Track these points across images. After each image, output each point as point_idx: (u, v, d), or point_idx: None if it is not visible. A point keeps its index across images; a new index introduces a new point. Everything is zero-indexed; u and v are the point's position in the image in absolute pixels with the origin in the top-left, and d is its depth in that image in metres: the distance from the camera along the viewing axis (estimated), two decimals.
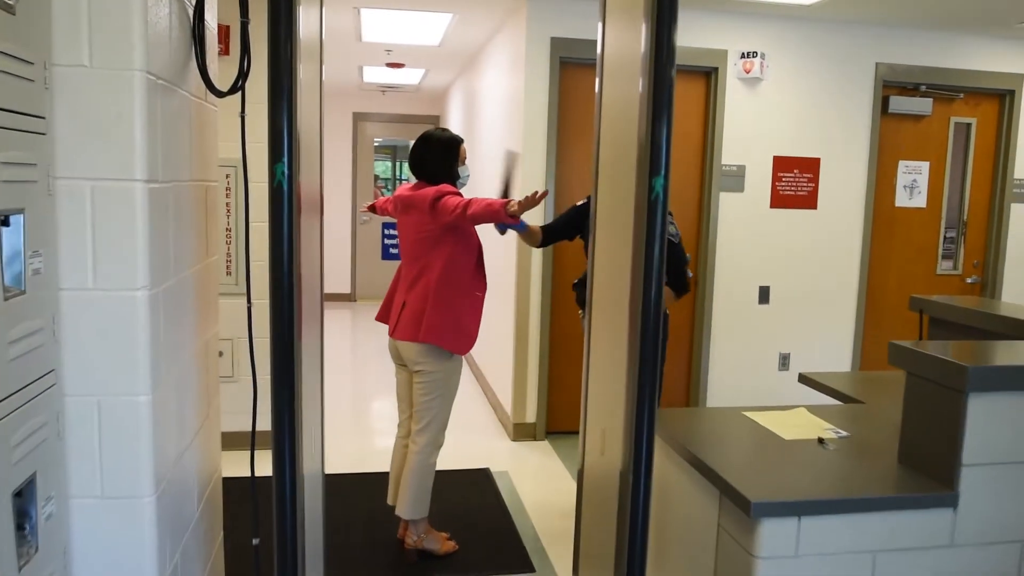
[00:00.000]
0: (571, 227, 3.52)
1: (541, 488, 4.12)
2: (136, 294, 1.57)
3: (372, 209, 3.66)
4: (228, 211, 4.42)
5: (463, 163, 3.17)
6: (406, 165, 11.44)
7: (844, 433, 2.44)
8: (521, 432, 4.83)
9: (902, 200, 5.20)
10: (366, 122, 10.03)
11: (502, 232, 3.34)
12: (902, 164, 5.17)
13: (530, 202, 2.73)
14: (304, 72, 1.87)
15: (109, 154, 1.52)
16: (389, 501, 3.33)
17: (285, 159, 1.76)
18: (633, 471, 2.00)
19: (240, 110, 1.88)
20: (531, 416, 4.83)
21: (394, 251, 12.25)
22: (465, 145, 3.20)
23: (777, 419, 2.57)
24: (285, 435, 1.83)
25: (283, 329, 1.78)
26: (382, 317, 3.28)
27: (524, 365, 4.78)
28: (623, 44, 2.25)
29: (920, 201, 5.22)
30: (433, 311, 2.98)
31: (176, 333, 1.85)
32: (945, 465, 2.02)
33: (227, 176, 4.40)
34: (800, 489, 1.99)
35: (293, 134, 1.77)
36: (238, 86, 1.89)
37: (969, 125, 5.23)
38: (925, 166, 5.19)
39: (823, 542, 1.95)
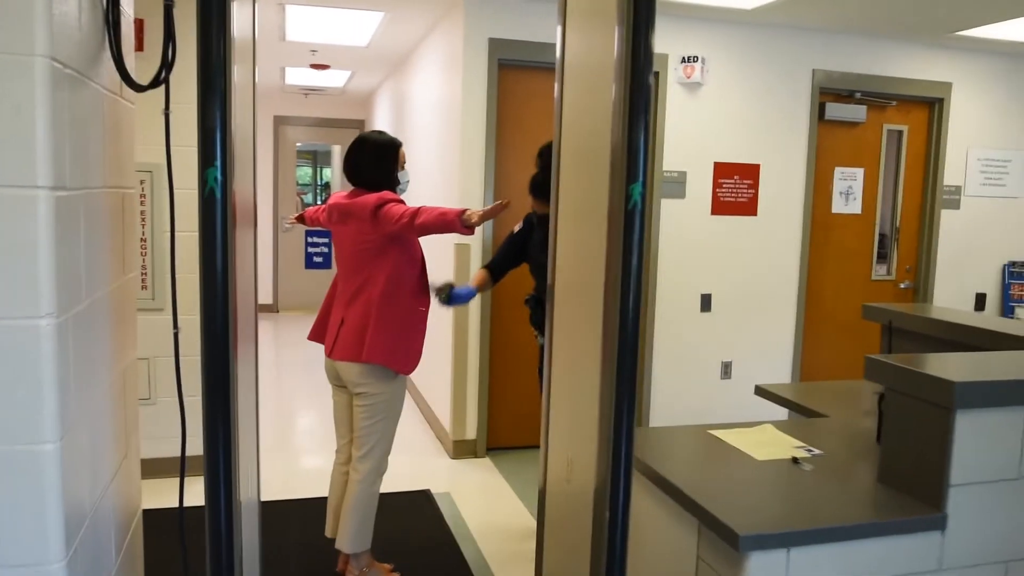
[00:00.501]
0: (514, 256, 3.45)
1: (486, 509, 3.92)
2: (40, 323, 1.31)
3: (301, 220, 3.41)
4: (144, 220, 4.08)
5: (403, 168, 2.96)
6: (327, 171, 11.10)
7: (817, 451, 2.34)
8: (461, 449, 4.63)
9: (838, 206, 5.23)
10: (287, 126, 9.66)
11: (446, 303, 3.15)
12: (838, 171, 5.19)
13: (492, 212, 2.52)
14: (235, 72, 1.65)
15: (5, 156, 1.27)
16: (328, 533, 3.08)
17: (218, 163, 1.53)
18: (610, 501, 1.83)
19: (164, 106, 1.64)
20: (471, 432, 4.63)
21: (318, 260, 11.84)
22: (404, 149, 2.99)
23: (745, 437, 2.45)
24: (219, 462, 1.59)
25: (217, 351, 1.55)
26: (316, 336, 3.04)
27: (463, 378, 4.59)
28: (587, 48, 2.10)
29: (855, 207, 5.26)
30: (376, 328, 2.75)
31: (89, 365, 1.59)
32: (931, 485, 1.92)
33: (142, 182, 4.07)
34: (786, 518, 1.86)
35: (227, 136, 1.54)
36: (160, 79, 1.65)
37: (901, 132, 5.30)
38: (860, 172, 5.23)
39: (813, 573, 1.82)
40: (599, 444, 1.90)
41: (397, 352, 2.79)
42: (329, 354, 2.90)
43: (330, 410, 3.08)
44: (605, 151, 1.87)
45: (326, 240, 11.31)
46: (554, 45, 2.33)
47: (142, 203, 4.11)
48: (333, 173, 10.89)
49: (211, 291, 1.55)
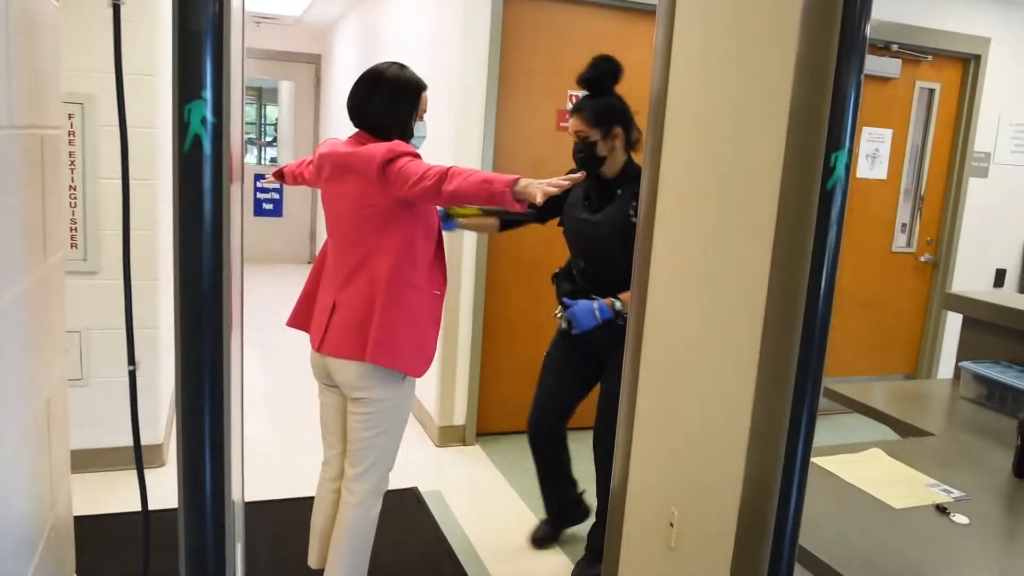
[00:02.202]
0: (544, 209, 2.71)
1: (485, 513, 3.39)
2: None
3: (279, 177, 2.74)
4: (72, 163, 3.35)
5: (422, 117, 2.32)
6: (273, 109, 10.15)
7: (957, 492, 1.85)
8: (448, 436, 4.07)
9: (863, 170, 4.74)
10: None
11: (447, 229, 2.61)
12: (865, 131, 4.69)
13: (563, 186, 1.87)
14: None
15: None
16: (312, 563, 2.50)
17: (208, 93, 0.91)
18: None
19: None
20: (459, 418, 4.07)
21: (268, 207, 10.99)
22: (427, 93, 2.34)
23: (860, 469, 1.96)
24: (205, 460, 1.03)
25: (205, 382, 0.96)
26: (298, 321, 2.41)
27: (452, 358, 4.01)
28: None
29: (881, 172, 4.78)
30: (384, 319, 2.14)
31: None
32: None
33: (70, 116, 3.32)
34: None
35: (221, 49, 0.92)
36: None
37: (933, 91, 4.81)
38: (888, 134, 4.75)
39: None
40: (744, 496, 1.36)
41: (409, 350, 2.18)
42: (317, 348, 2.28)
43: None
44: (765, 114, 1.31)
45: (277, 186, 10.38)
46: None
47: (71, 143, 3.37)
48: (280, 112, 9.96)
49: (194, 308, 0.94)
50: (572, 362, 2.86)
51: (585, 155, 2.60)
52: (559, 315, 2.79)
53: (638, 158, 2.58)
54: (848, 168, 1.16)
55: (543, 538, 3.11)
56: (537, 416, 2.94)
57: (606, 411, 2.74)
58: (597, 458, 2.80)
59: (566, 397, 2.91)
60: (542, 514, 3.20)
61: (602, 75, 2.62)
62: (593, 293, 2.66)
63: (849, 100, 1.14)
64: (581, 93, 4.06)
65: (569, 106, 3.99)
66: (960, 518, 1.72)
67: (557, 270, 2.84)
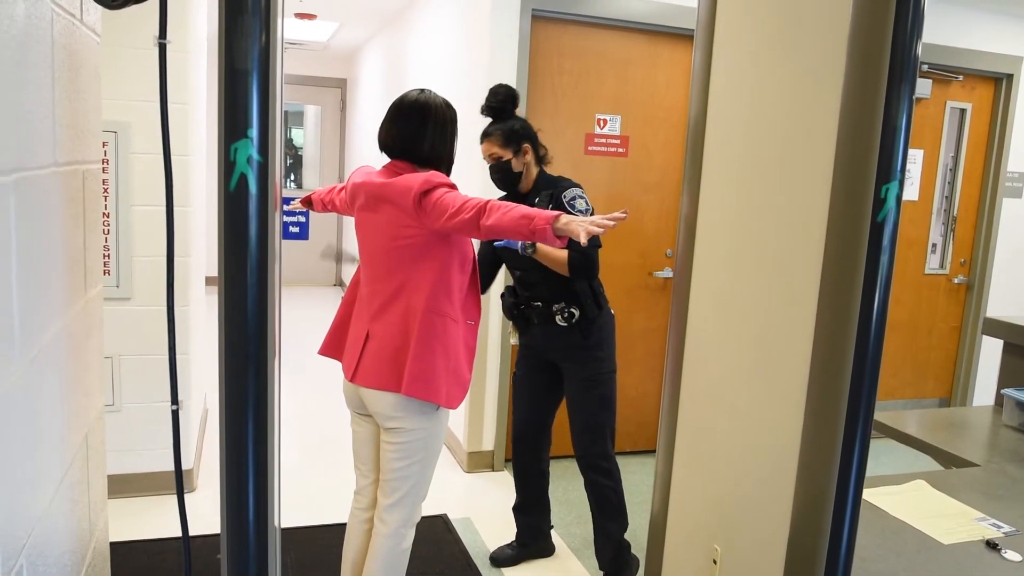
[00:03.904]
0: (491, 262, 2.91)
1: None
2: None
3: (307, 204, 2.74)
4: (105, 191, 3.38)
5: None
6: (298, 132, 10.26)
7: (1007, 527, 1.79)
8: (476, 462, 4.04)
9: None
10: None
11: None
12: None
13: (605, 224, 1.79)
14: None
15: None
16: None
17: (254, 132, 0.91)
18: None
19: (158, 31, 0.99)
20: (488, 443, 4.04)
21: (294, 230, 10.93)
22: None
23: (904, 501, 1.90)
24: (249, 486, 1.02)
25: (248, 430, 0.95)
26: (331, 350, 2.40)
27: (481, 383, 3.98)
28: (771, 10, 1.49)
29: (912, 193, 4.72)
30: (420, 351, 2.12)
31: (23, 466, 0.96)
32: None
33: (104, 144, 3.36)
34: None
35: (269, 86, 0.91)
36: None
37: (964, 111, 4.75)
38: (919, 155, 4.69)
39: None
40: (792, 533, 1.32)
41: (444, 382, 2.16)
42: (351, 378, 2.27)
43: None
44: (810, 143, 1.28)
45: (304, 209, 10.50)
46: None
47: (104, 170, 3.41)
48: (306, 136, 10.07)
49: (239, 344, 0.93)
50: (537, 377, 2.98)
51: (501, 174, 2.77)
52: (510, 331, 2.99)
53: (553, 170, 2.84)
54: (899, 199, 1.13)
55: (501, 559, 3.14)
56: (516, 436, 3.04)
57: (576, 421, 2.86)
58: (585, 475, 2.87)
59: (540, 412, 3.00)
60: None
61: (503, 101, 2.78)
62: (533, 301, 2.81)
63: (900, 128, 1.11)
64: (605, 116, 4.10)
65: (597, 129, 3.99)
66: (1013, 555, 1.66)
67: (503, 290, 3.01)
